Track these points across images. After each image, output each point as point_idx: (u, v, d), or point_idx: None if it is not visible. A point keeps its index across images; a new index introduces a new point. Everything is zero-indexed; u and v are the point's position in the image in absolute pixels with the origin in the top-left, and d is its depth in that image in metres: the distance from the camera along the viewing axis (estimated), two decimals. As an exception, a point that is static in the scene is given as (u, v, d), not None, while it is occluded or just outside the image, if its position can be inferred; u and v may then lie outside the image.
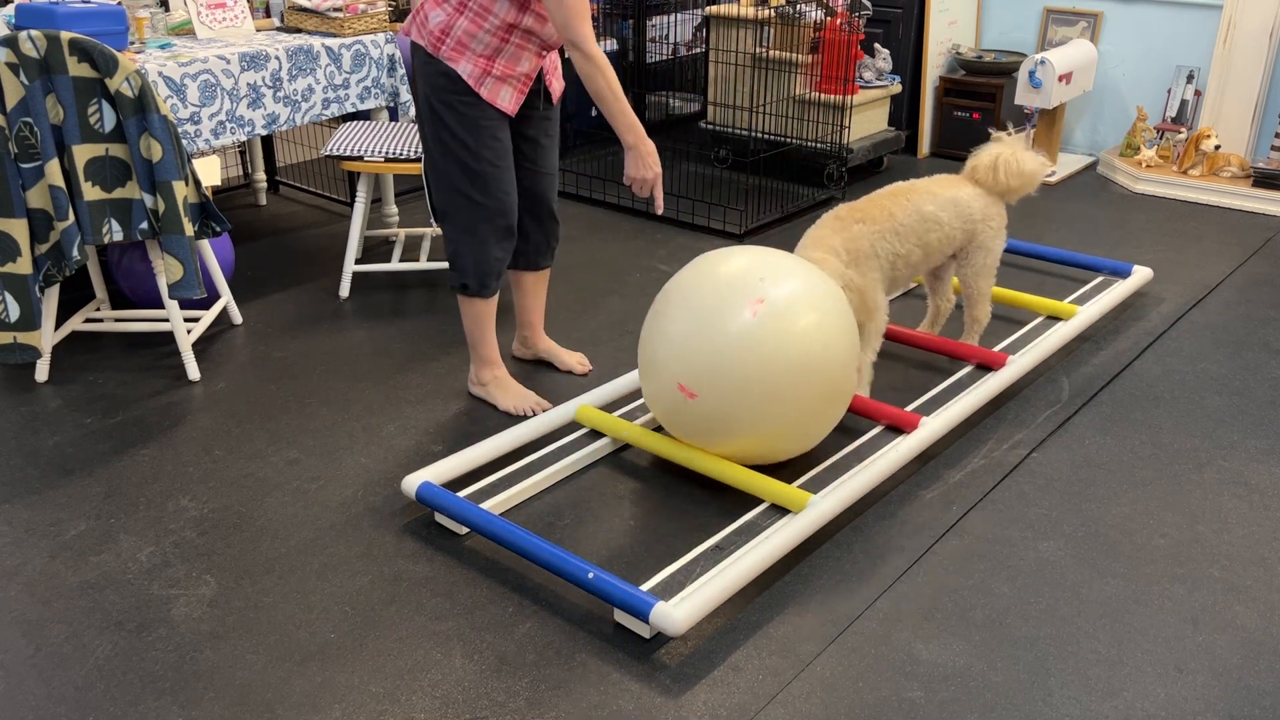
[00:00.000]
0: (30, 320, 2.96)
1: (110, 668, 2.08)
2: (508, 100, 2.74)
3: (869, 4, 4.80)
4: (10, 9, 3.36)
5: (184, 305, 3.49)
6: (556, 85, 2.91)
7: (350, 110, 3.90)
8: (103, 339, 3.43)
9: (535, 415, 2.92)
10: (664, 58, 5.80)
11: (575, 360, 3.25)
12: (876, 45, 5.12)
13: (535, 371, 3.24)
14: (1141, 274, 3.78)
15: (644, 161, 2.71)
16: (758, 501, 2.58)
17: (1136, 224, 4.59)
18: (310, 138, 5.17)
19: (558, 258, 4.14)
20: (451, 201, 2.81)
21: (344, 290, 3.77)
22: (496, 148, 2.76)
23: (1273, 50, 4.91)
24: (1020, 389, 3.15)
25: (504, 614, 2.23)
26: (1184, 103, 5.20)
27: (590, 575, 2.18)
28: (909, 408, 2.97)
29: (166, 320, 3.36)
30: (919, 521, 2.55)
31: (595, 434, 2.83)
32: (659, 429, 2.89)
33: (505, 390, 3.02)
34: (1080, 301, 3.67)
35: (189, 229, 3.01)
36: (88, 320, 3.39)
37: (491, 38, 2.66)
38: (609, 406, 3.03)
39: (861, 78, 5.02)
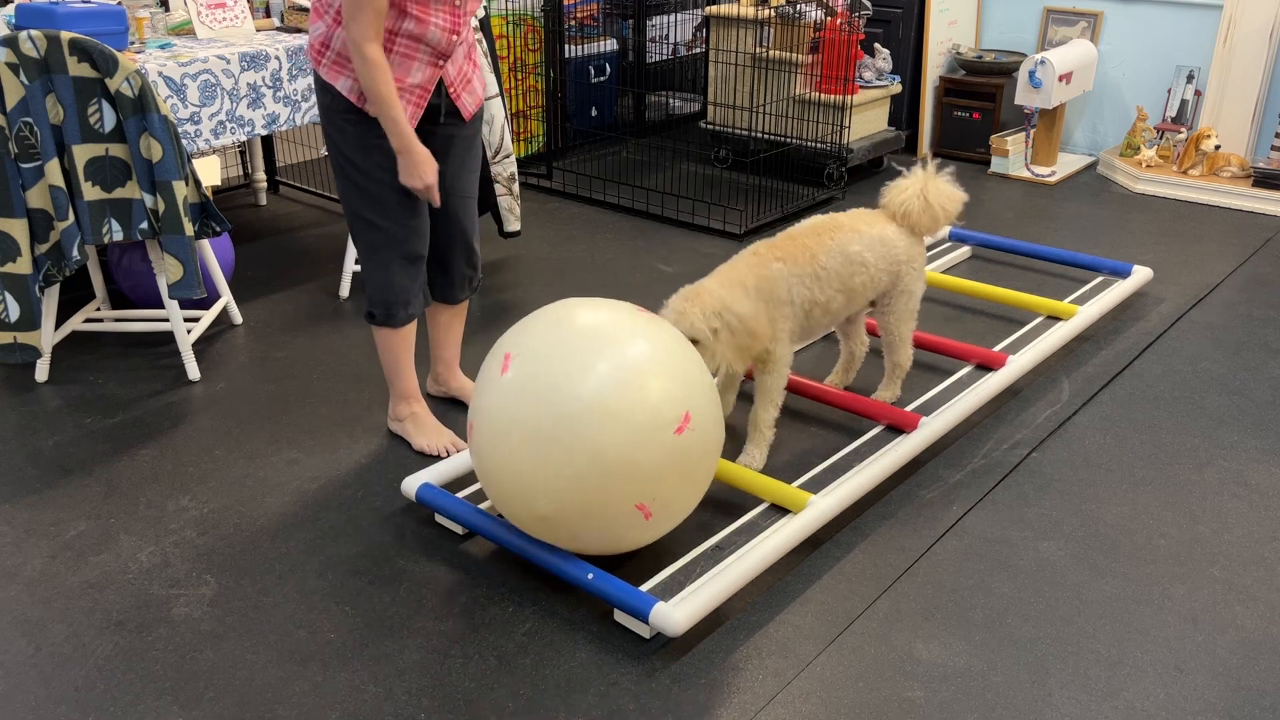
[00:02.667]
0: (30, 320, 2.96)
1: (110, 668, 2.08)
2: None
3: (869, 4, 4.80)
4: (10, 9, 3.36)
5: (184, 305, 3.49)
6: (467, 100, 2.65)
7: (350, 110, 3.89)
8: (103, 339, 3.43)
9: (450, 456, 2.70)
10: (664, 58, 5.80)
11: None
12: (876, 45, 5.12)
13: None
14: (1141, 274, 3.78)
15: (412, 170, 2.49)
16: (758, 501, 2.58)
17: (1136, 224, 4.59)
18: (310, 138, 5.17)
19: (558, 257, 4.14)
20: (354, 225, 2.64)
21: (344, 290, 3.77)
22: (394, 167, 2.54)
23: (1273, 50, 4.91)
24: (1020, 389, 3.15)
25: (504, 614, 2.23)
26: (1184, 103, 5.20)
27: (590, 575, 2.18)
28: (909, 408, 2.97)
29: (166, 320, 3.36)
30: (919, 521, 2.55)
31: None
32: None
33: (420, 429, 2.82)
34: (1080, 301, 3.67)
35: (189, 229, 3.01)
36: (88, 320, 3.39)
37: None
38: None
39: (861, 78, 5.02)
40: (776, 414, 2.68)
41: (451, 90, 2.61)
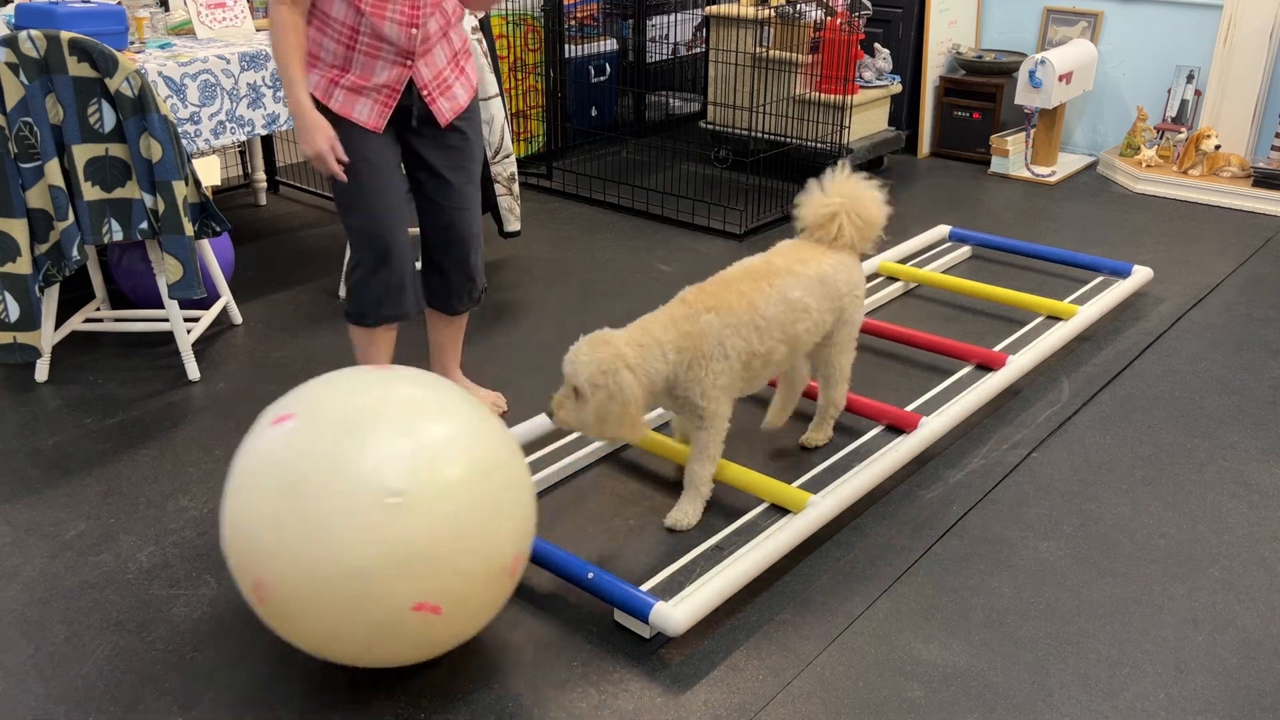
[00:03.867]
0: (30, 320, 2.96)
1: (110, 668, 2.08)
2: (365, 113, 2.50)
3: (869, 4, 4.80)
4: (10, 9, 3.36)
5: (184, 305, 3.49)
6: (444, 105, 2.58)
7: (350, 110, 3.89)
8: (103, 339, 3.43)
9: None
10: (664, 58, 5.80)
11: (491, 400, 2.99)
12: (876, 45, 5.12)
13: None
14: (1141, 274, 3.78)
15: (301, 137, 2.43)
16: (758, 501, 2.58)
17: (1136, 224, 4.59)
18: (310, 138, 5.16)
19: (558, 257, 4.14)
20: (342, 221, 2.65)
21: (344, 290, 3.76)
22: (362, 166, 2.51)
23: (1273, 50, 4.91)
24: (1020, 389, 3.15)
25: (504, 614, 2.23)
26: (1184, 103, 5.20)
27: (590, 575, 2.18)
28: (909, 408, 2.97)
29: (166, 320, 3.36)
30: (919, 521, 2.54)
31: (595, 434, 2.83)
32: (658, 429, 2.89)
33: None
34: (1080, 301, 3.67)
35: (189, 229, 3.01)
36: (88, 320, 3.39)
37: (338, 45, 2.44)
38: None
39: (861, 77, 5.02)
40: (713, 469, 2.50)
41: (425, 93, 2.54)
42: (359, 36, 2.42)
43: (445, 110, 2.60)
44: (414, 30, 2.44)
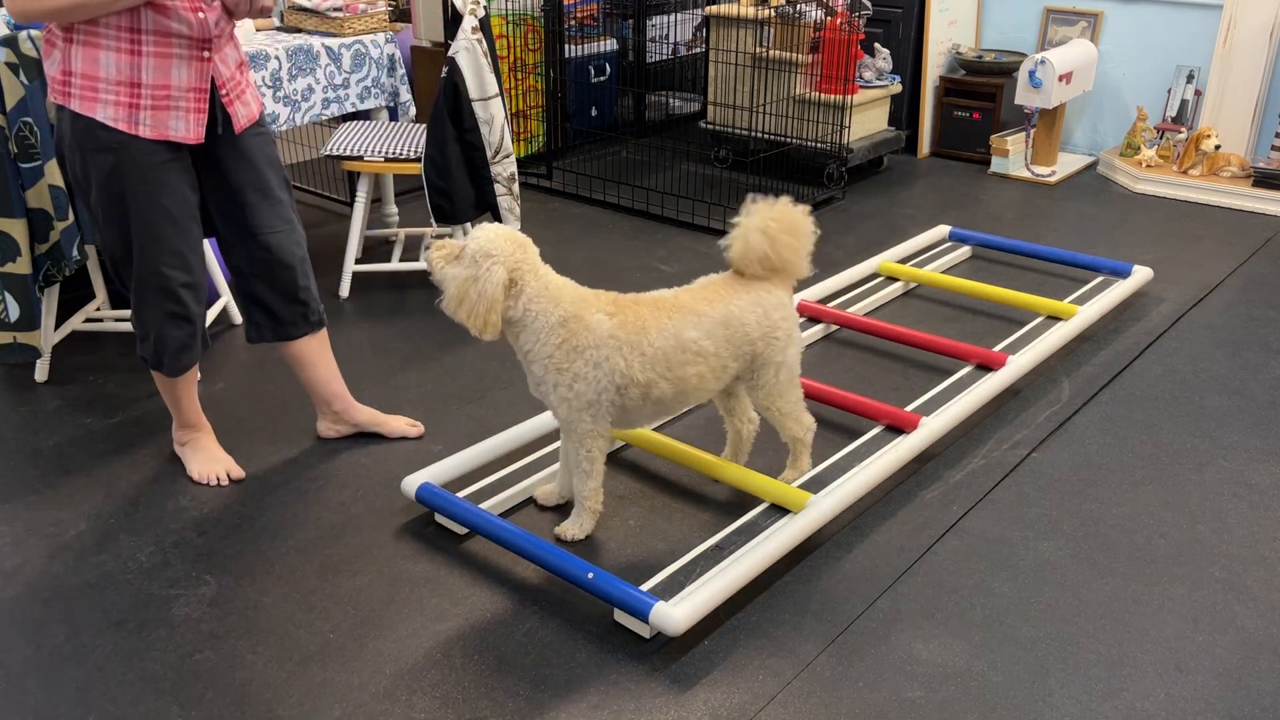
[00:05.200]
0: (30, 320, 2.96)
1: (110, 668, 2.08)
2: (183, 127, 2.26)
3: (869, 4, 4.80)
4: (10, 9, 3.36)
5: (184, 305, 3.48)
6: (239, 110, 2.38)
7: (350, 110, 3.90)
8: (103, 339, 3.43)
9: (223, 484, 2.63)
10: (664, 58, 5.80)
11: (404, 424, 2.84)
12: (876, 45, 5.12)
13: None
14: (1141, 274, 3.78)
15: None
16: (758, 501, 2.58)
17: (1136, 224, 4.59)
18: (310, 138, 5.16)
19: (560, 257, 4.13)
20: (116, 267, 2.41)
21: (344, 290, 3.76)
22: (154, 213, 2.30)
23: (1273, 50, 4.91)
24: (1020, 389, 3.15)
25: (504, 614, 2.23)
26: (1184, 103, 5.20)
27: (590, 575, 2.18)
28: (909, 408, 2.96)
29: (166, 320, 3.35)
30: (919, 521, 2.54)
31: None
32: (658, 429, 2.89)
33: (195, 454, 2.68)
34: (1080, 301, 3.67)
35: (189, 229, 3.01)
36: (88, 320, 3.39)
37: (119, 56, 2.17)
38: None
39: (861, 77, 5.02)
40: (595, 483, 2.39)
41: (224, 93, 2.34)
42: (141, 36, 2.17)
43: (241, 116, 2.40)
44: (201, 14, 2.22)
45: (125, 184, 2.27)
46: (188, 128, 2.28)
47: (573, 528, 2.45)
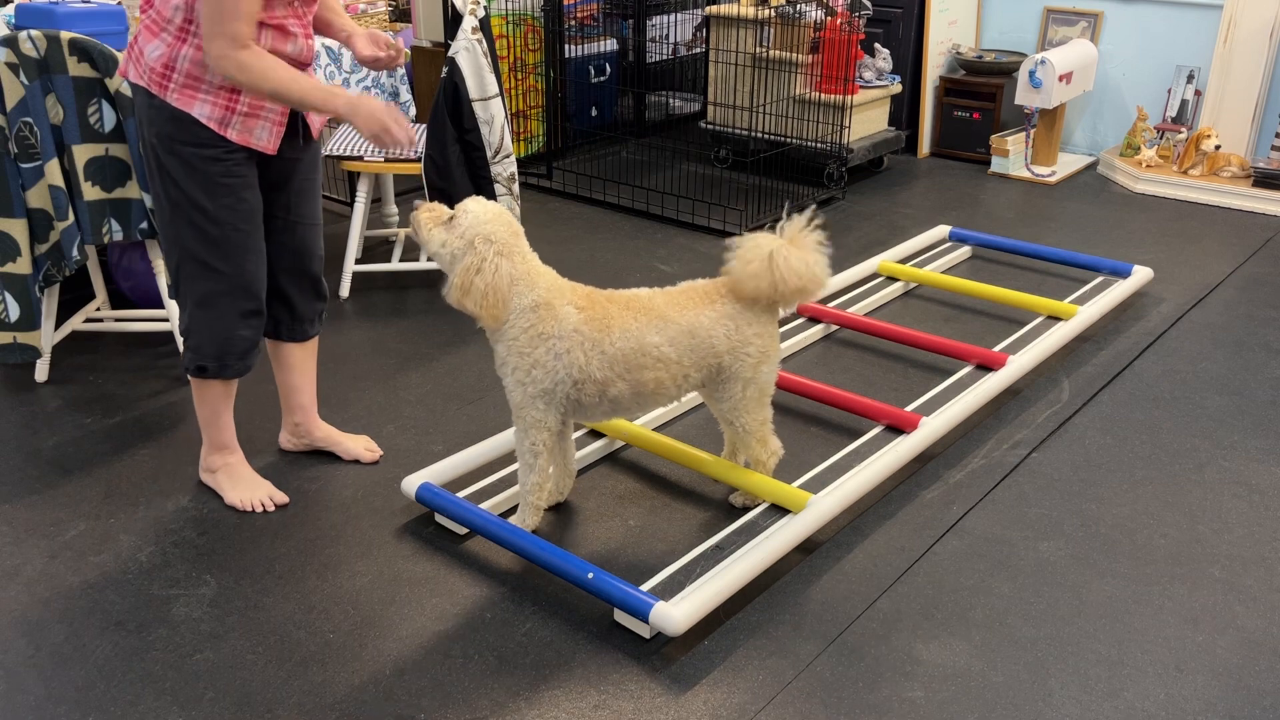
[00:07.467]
0: (30, 320, 2.96)
1: (110, 668, 2.08)
2: (265, 137, 2.33)
3: (869, 4, 4.80)
4: (10, 9, 3.36)
5: (184, 305, 3.48)
6: (315, 117, 2.48)
7: (350, 110, 3.89)
8: (103, 339, 3.43)
9: (267, 511, 2.56)
10: (664, 58, 5.80)
11: (361, 446, 2.78)
12: (876, 45, 5.12)
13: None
14: (1141, 274, 3.78)
15: (371, 117, 2.25)
16: (758, 501, 2.58)
17: (1136, 224, 4.59)
18: (310, 138, 5.17)
19: (560, 257, 4.13)
20: (186, 270, 2.38)
21: (344, 290, 3.76)
22: (242, 209, 2.35)
23: (1273, 50, 4.91)
24: (1020, 389, 3.15)
25: (504, 614, 2.23)
26: (1184, 103, 5.20)
27: (590, 575, 2.18)
28: (909, 408, 2.97)
29: (166, 320, 3.36)
30: (919, 521, 2.54)
31: (595, 434, 2.83)
32: (657, 429, 2.89)
33: (234, 480, 2.59)
34: (1080, 301, 3.67)
35: (189, 229, 3.01)
36: (88, 320, 3.39)
37: None
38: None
39: (861, 77, 5.02)
40: (536, 478, 2.37)
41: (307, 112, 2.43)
42: None
43: (317, 123, 2.51)
44: (312, 41, 2.36)
45: (212, 180, 2.31)
46: (269, 139, 2.35)
47: (515, 520, 2.44)
